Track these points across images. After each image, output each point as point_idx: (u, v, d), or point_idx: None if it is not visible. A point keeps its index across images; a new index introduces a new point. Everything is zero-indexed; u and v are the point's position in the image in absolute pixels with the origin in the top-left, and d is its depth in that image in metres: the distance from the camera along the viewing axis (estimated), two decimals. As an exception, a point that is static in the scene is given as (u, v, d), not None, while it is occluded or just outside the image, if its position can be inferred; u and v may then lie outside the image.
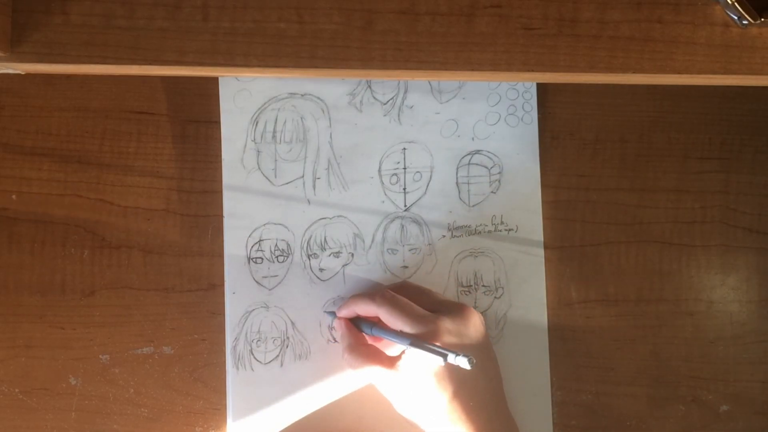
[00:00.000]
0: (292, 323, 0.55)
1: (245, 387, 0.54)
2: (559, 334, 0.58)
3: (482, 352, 0.51)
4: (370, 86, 0.57)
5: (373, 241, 0.57)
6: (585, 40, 0.44)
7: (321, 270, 0.56)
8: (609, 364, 0.59)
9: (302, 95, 0.56)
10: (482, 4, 0.44)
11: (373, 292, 0.54)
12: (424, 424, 0.50)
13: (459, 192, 0.58)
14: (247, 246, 0.55)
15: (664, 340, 0.59)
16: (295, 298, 0.55)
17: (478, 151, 0.58)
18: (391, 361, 0.51)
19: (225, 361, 0.55)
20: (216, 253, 0.55)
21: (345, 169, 0.56)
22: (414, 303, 0.51)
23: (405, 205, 0.57)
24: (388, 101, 0.57)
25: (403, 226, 0.57)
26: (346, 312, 0.54)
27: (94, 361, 0.54)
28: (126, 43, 0.42)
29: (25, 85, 0.55)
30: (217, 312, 0.55)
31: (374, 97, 0.57)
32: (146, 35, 0.42)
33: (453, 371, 0.49)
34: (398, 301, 0.51)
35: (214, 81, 0.55)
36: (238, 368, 0.54)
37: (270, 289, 0.55)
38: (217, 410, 0.55)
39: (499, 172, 0.58)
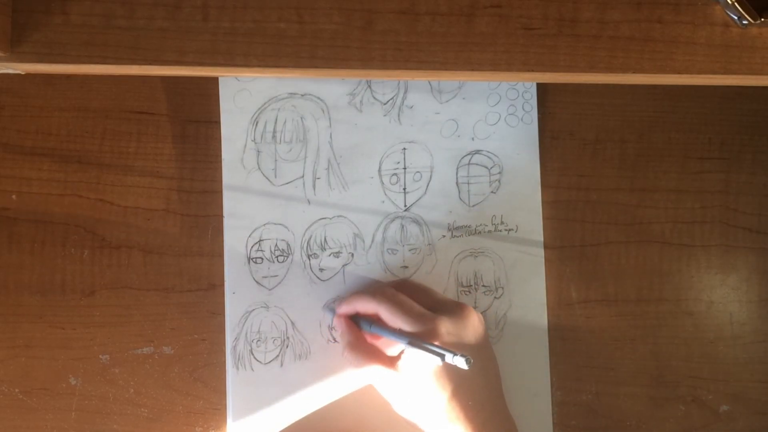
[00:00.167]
0: (292, 323, 0.55)
1: (245, 387, 0.54)
2: (559, 334, 0.58)
3: (481, 351, 0.51)
4: (370, 86, 0.57)
5: (373, 241, 0.57)
6: (585, 40, 0.44)
7: (321, 270, 0.56)
8: (609, 364, 0.59)
9: (302, 95, 0.56)
10: (482, 4, 0.44)
11: (373, 289, 0.54)
12: (423, 423, 0.50)
13: (459, 192, 0.58)
14: (247, 246, 0.55)
15: (664, 340, 0.59)
16: (295, 298, 0.55)
17: (478, 151, 0.58)
18: (390, 361, 0.51)
19: (225, 361, 0.55)
20: (216, 253, 0.55)
21: (345, 169, 0.56)
22: (414, 301, 0.51)
23: (405, 205, 0.57)
24: (388, 101, 0.57)
25: (403, 226, 0.57)
26: (347, 309, 0.54)
27: (94, 361, 0.54)
28: (126, 43, 0.42)
29: (25, 85, 0.55)
30: (217, 312, 0.55)
31: (374, 97, 0.57)
32: (146, 35, 0.42)
33: (451, 371, 0.49)
34: (398, 299, 0.51)
35: (214, 81, 0.55)
36: (238, 368, 0.54)
37: (270, 289, 0.55)
38: (217, 410, 0.55)
39: (499, 172, 0.58)
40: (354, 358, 0.52)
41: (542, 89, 0.59)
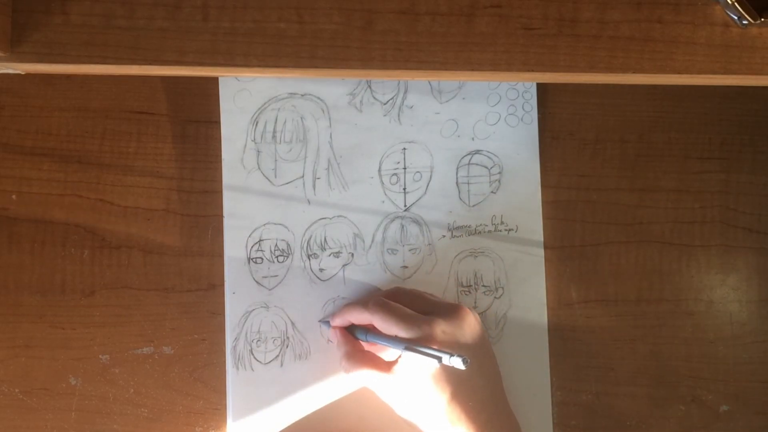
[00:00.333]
0: (292, 323, 0.55)
1: (245, 387, 0.54)
2: (559, 334, 0.58)
3: (479, 351, 0.51)
4: (370, 86, 0.57)
5: (373, 241, 0.57)
6: (585, 40, 0.44)
7: (321, 270, 0.56)
8: (609, 364, 0.59)
9: (302, 95, 0.56)
10: (482, 4, 0.44)
11: (365, 299, 0.54)
12: (424, 426, 0.50)
13: (459, 192, 0.58)
14: (247, 246, 0.55)
15: (664, 340, 0.59)
16: (295, 298, 0.55)
17: (478, 151, 0.58)
18: (388, 366, 0.51)
19: (225, 361, 0.55)
20: (216, 253, 0.55)
21: (345, 169, 0.56)
22: (408, 307, 0.51)
23: (405, 205, 0.57)
24: (388, 101, 0.57)
25: (403, 226, 0.57)
26: (340, 321, 0.54)
27: (94, 361, 0.54)
28: (126, 43, 0.42)
29: (25, 85, 0.55)
30: (217, 312, 0.55)
31: (374, 97, 0.57)
32: (146, 35, 0.42)
33: (450, 372, 0.48)
34: (391, 307, 0.51)
35: (214, 81, 0.55)
36: (238, 368, 0.54)
37: (270, 289, 0.55)
38: (217, 410, 0.55)
39: (499, 172, 0.58)
40: (352, 368, 0.52)
41: (542, 89, 0.59)
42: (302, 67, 0.43)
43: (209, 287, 0.55)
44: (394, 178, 0.57)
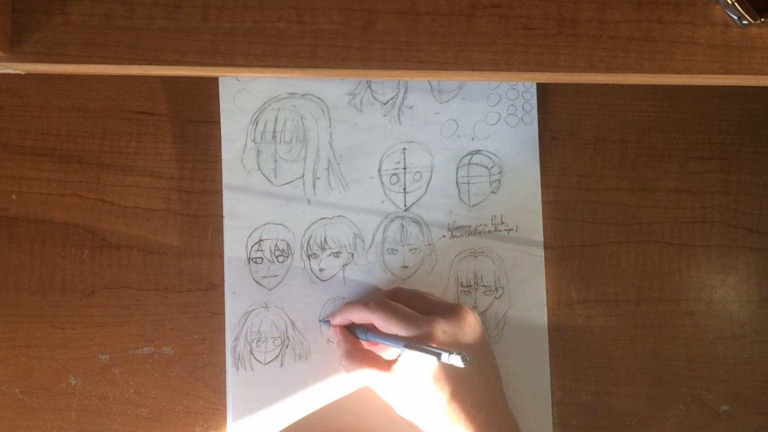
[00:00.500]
0: (292, 323, 0.55)
1: (245, 387, 0.54)
2: (559, 334, 0.58)
3: (479, 350, 0.51)
4: (370, 86, 0.57)
5: (373, 241, 0.57)
6: (585, 40, 0.44)
7: (321, 270, 0.56)
8: (609, 364, 0.59)
9: (302, 95, 0.56)
10: (482, 4, 0.44)
11: (365, 298, 0.54)
12: (424, 425, 0.50)
13: (459, 192, 0.58)
14: (247, 246, 0.55)
15: (664, 340, 0.59)
16: (295, 298, 0.55)
17: (478, 151, 0.58)
18: (387, 365, 0.51)
19: (225, 361, 0.55)
20: (216, 253, 0.55)
21: (345, 169, 0.56)
22: (408, 307, 0.51)
23: (405, 205, 0.57)
24: (388, 101, 0.57)
25: (403, 226, 0.57)
26: (340, 320, 0.54)
27: (94, 361, 0.54)
28: (126, 43, 0.42)
29: (25, 85, 0.54)
30: (217, 312, 0.55)
31: (374, 97, 0.57)
32: (146, 35, 0.42)
33: (450, 372, 0.49)
34: (391, 306, 0.51)
35: (214, 81, 0.55)
36: (238, 368, 0.54)
37: (270, 289, 0.55)
38: (217, 410, 0.55)
39: (499, 172, 0.58)
40: (352, 366, 0.52)
41: (542, 89, 0.59)
42: (302, 67, 0.43)
43: (209, 287, 0.55)
44: (394, 178, 0.57)
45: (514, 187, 0.58)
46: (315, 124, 0.56)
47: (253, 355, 0.55)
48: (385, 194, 0.57)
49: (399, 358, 0.50)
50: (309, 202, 0.56)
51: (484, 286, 0.58)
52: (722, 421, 0.59)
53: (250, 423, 0.54)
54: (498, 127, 0.58)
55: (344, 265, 0.56)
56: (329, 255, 0.56)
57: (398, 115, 0.57)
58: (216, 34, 0.43)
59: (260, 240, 0.55)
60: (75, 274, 0.55)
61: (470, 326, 0.51)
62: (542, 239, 0.58)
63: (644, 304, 0.59)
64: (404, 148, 0.57)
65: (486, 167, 0.58)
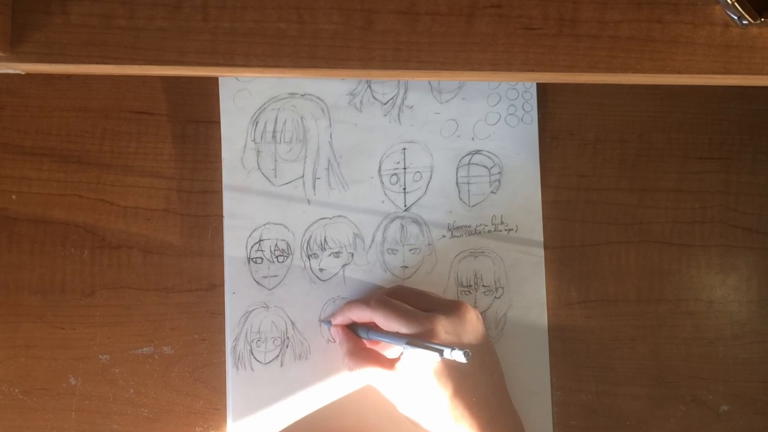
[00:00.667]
0: (292, 323, 0.55)
1: (245, 387, 0.54)
2: (559, 334, 0.58)
3: (481, 348, 0.51)
4: (370, 86, 0.57)
5: (373, 241, 0.57)
6: (585, 40, 0.44)
7: (321, 270, 0.56)
8: (609, 364, 0.59)
9: (302, 95, 0.56)
10: (482, 4, 0.44)
11: (366, 297, 0.54)
12: (427, 423, 0.50)
13: (459, 192, 0.58)
14: (247, 246, 0.55)
15: (664, 340, 0.59)
16: (295, 298, 0.55)
17: (478, 151, 0.58)
18: (390, 363, 0.51)
19: (225, 361, 0.55)
20: (216, 253, 0.55)
21: (345, 169, 0.56)
22: (409, 305, 0.51)
23: (405, 205, 0.57)
24: (388, 101, 0.57)
25: (403, 226, 0.57)
26: (341, 319, 0.54)
27: (94, 361, 0.54)
28: (126, 43, 0.42)
29: (25, 85, 0.54)
30: (217, 312, 0.55)
31: (374, 97, 0.57)
32: (146, 35, 0.42)
33: (453, 369, 0.49)
34: (393, 304, 0.51)
35: (214, 81, 0.55)
36: (238, 368, 0.54)
37: (270, 289, 0.55)
38: (217, 410, 0.55)
39: (499, 172, 0.58)
40: (355, 365, 0.52)
41: (542, 89, 0.59)
42: (302, 67, 0.43)
43: (209, 287, 0.55)
44: (394, 178, 0.57)
45: (514, 187, 0.58)
46: (315, 124, 0.56)
47: (253, 355, 0.55)
48: (385, 194, 0.57)
49: (401, 357, 0.50)
50: (309, 202, 0.56)
51: (484, 286, 0.58)
52: (722, 421, 0.59)
53: (250, 423, 0.54)
54: (498, 127, 0.58)
55: (344, 265, 0.56)
56: (329, 255, 0.56)
57: (398, 115, 0.57)
58: (216, 34, 0.43)
59: (260, 240, 0.55)
60: (75, 274, 0.55)
61: (471, 323, 0.51)
62: (542, 239, 0.58)
63: (644, 304, 0.59)
64: (404, 148, 0.57)
65: (486, 167, 0.58)
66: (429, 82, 0.57)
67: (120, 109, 0.55)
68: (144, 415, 0.54)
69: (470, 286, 0.58)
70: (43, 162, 0.55)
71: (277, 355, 0.55)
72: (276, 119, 0.56)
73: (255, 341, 0.55)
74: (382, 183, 0.57)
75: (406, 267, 0.57)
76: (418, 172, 0.57)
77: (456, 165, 0.58)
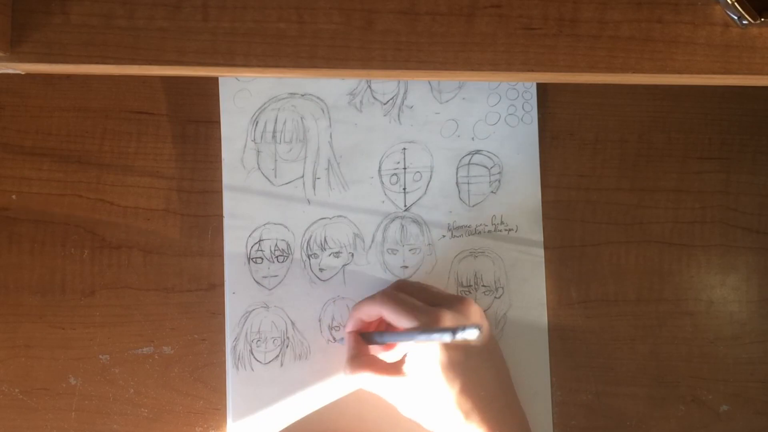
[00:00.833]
0: (292, 323, 0.55)
1: (245, 387, 0.54)
2: (559, 334, 0.58)
3: (485, 343, 0.51)
4: (370, 86, 0.57)
5: (373, 241, 0.57)
6: (585, 40, 0.44)
7: (321, 270, 0.56)
8: (609, 364, 0.59)
9: (302, 95, 0.56)
10: (482, 4, 0.44)
11: (372, 295, 0.54)
12: (433, 423, 0.50)
13: (459, 192, 0.58)
14: (247, 246, 0.55)
15: (664, 340, 0.59)
16: (295, 298, 0.55)
17: (478, 151, 0.58)
18: (390, 367, 0.51)
19: (225, 361, 0.55)
20: (216, 253, 0.55)
21: (345, 169, 0.56)
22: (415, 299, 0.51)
23: (405, 205, 0.57)
24: (388, 101, 0.57)
25: (403, 226, 0.57)
26: (352, 323, 0.53)
27: (94, 361, 0.54)
28: (126, 43, 0.42)
29: (25, 85, 0.55)
30: (217, 312, 0.55)
31: (374, 97, 0.57)
32: (146, 35, 0.42)
33: (460, 364, 0.48)
34: (400, 298, 0.51)
35: (214, 81, 0.55)
36: (238, 368, 0.54)
37: (270, 289, 0.55)
38: (217, 410, 0.55)
39: (499, 172, 0.58)
40: (354, 370, 0.51)
41: (542, 89, 0.59)
42: (302, 67, 0.43)
43: (209, 287, 0.55)
44: (394, 178, 0.57)
45: (514, 187, 0.58)
46: (315, 124, 0.56)
47: (253, 355, 0.55)
48: (385, 194, 0.57)
49: (405, 358, 0.50)
50: (309, 202, 0.56)
51: (484, 286, 0.58)
52: (722, 421, 0.59)
53: (250, 423, 0.54)
54: (498, 127, 0.58)
55: (344, 265, 0.56)
56: (329, 255, 0.56)
57: (398, 115, 0.57)
58: (216, 34, 0.43)
59: (260, 240, 0.55)
60: (75, 274, 0.55)
61: (475, 317, 0.51)
62: (542, 239, 0.58)
63: (644, 304, 0.59)
64: (404, 148, 0.57)
65: (486, 167, 0.58)
66: (429, 82, 0.57)
67: (120, 109, 0.55)
68: (144, 415, 0.54)
69: (470, 286, 0.58)
70: (43, 162, 0.55)
71: (277, 355, 0.55)
72: (276, 119, 0.56)
73: (255, 341, 0.55)
74: (382, 183, 0.57)
75: (406, 267, 0.57)
76: (418, 172, 0.57)
77: (456, 165, 0.58)
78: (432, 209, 0.57)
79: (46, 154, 0.55)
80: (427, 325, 0.49)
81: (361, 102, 0.57)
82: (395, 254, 0.57)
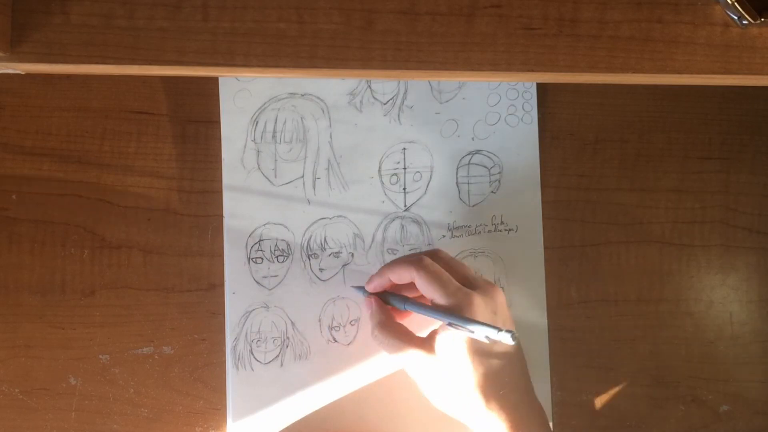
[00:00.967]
0: (292, 323, 0.55)
1: (245, 387, 0.54)
2: (559, 334, 0.58)
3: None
4: (370, 86, 0.57)
5: (373, 241, 0.57)
6: (585, 40, 0.44)
7: (321, 270, 0.56)
8: (609, 364, 0.59)
9: (302, 95, 0.56)
10: (482, 4, 0.44)
11: (409, 257, 0.52)
12: (453, 406, 0.49)
13: (459, 192, 0.58)
14: (247, 246, 0.55)
15: (664, 340, 0.59)
16: (295, 298, 0.55)
17: (478, 151, 0.58)
18: (424, 343, 0.50)
19: (225, 361, 0.55)
20: (216, 253, 0.55)
21: (345, 169, 0.56)
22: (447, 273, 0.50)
23: (405, 205, 0.57)
24: (388, 101, 0.57)
25: (403, 226, 0.57)
26: (379, 281, 0.53)
27: (94, 361, 0.54)
28: (126, 43, 0.42)
29: (25, 85, 0.55)
30: (217, 312, 0.55)
31: (374, 97, 0.57)
32: (146, 35, 0.42)
33: (485, 349, 0.48)
34: (436, 269, 0.50)
35: (214, 81, 0.55)
36: (238, 368, 0.54)
37: (270, 289, 0.55)
38: (217, 410, 0.55)
39: (499, 172, 0.58)
40: (385, 338, 0.51)
41: (542, 89, 0.59)
42: (302, 67, 0.43)
43: (209, 287, 0.55)
44: (394, 178, 0.57)
45: (514, 187, 0.58)
46: (315, 124, 0.56)
47: (253, 355, 0.55)
48: (385, 194, 0.57)
49: (435, 336, 0.49)
50: (309, 202, 0.56)
51: (484, 286, 0.58)
52: (722, 421, 0.59)
53: (250, 423, 0.54)
54: (498, 127, 0.58)
55: (344, 265, 0.56)
56: (329, 255, 0.56)
57: (398, 115, 0.57)
58: (216, 34, 0.43)
59: (260, 240, 0.55)
60: (75, 274, 0.55)
61: (502, 305, 0.51)
62: (542, 239, 0.58)
63: (644, 304, 0.59)
64: (404, 148, 0.57)
65: (486, 167, 0.58)
66: (429, 82, 0.57)
67: (120, 109, 0.55)
68: (144, 415, 0.54)
69: (470, 286, 0.58)
70: (43, 162, 0.55)
71: (277, 355, 0.55)
72: (276, 119, 0.56)
73: (255, 341, 0.55)
74: (382, 183, 0.57)
75: (406, 267, 0.57)
76: (418, 172, 0.57)
77: (456, 165, 0.58)
78: (432, 209, 0.57)
79: (46, 154, 0.55)
80: (457, 308, 0.48)
81: (361, 102, 0.57)
82: (395, 254, 0.57)
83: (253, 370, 0.55)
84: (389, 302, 0.53)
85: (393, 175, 0.57)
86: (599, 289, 0.59)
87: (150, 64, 0.43)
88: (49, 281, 0.54)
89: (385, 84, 0.57)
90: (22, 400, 0.54)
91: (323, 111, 0.56)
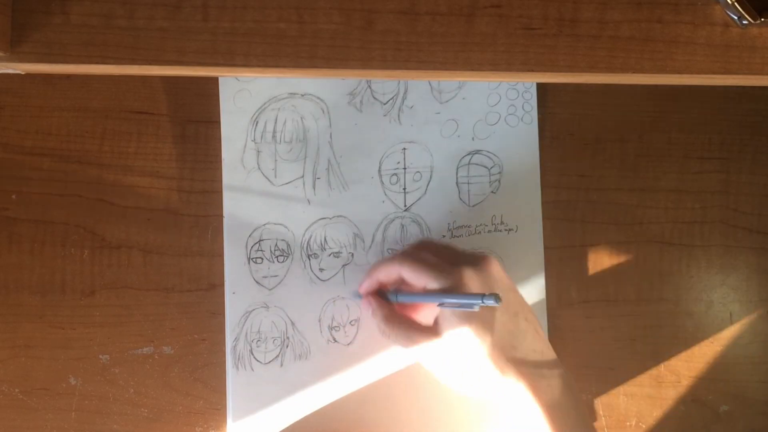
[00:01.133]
0: (292, 323, 0.55)
1: (245, 387, 0.54)
2: (559, 334, 0.58)
3: (510, 297, 0.50)
4: (370, 86, 0.57)
5: (373, 241, 0.57)
6: (585, 40, 0.44)
7: (321, 270, 0.56)
8: (609, 364, 0.59)
9: (302, 95, 0.56)
10: (482, 4, 0.44)
11: (392, 255, 0.53)
12: (473, 387, 0.49)
13: (459, 192, 0.58)
14: (247, 246, 0.55)
15: (664, 340, 0.59)
16: (295, 298, 0.55)
17: (478, 151, 0.58)
18: (430, 330, 0.49)
19: (225, 361, 0.55)
20: (216, 253, 0.55)
21: (345, 169, 0.56)
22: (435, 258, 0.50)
23: (405, 205, 0.57)
24: (388, 101, 0.57)
25: (403, 226, 0.57)
26: (369, 283, 0.53)
27: (94, 361, 0.54)
28: (126, 43, 0.42)
29: (25, 85, 0.55)
30: (217, 312, 0.55)
31: (374, 97, 0.57)
32: (146, 35, 0.42)
33: (487, 319, 0.47)
34: (420, 257, 0.50)
35: (214, 81, 0.55)
36: (238, 368, 0.54)
37: (270, 289, 0.55)
38: (217, 410, 0.55)
39: (499, 172, 0.58)
40: (392, 331, 0.51)
41: (542, 89, 0.59)
42: (302, 67, 0.43)
43: (209, 287, 0.55)
44: (394, 178, 0.57)
45: (514, 187, 0.58)
46: (315, 124, 0.56)
47: (253, 355, 0.55)
48: (385, 194, 0.57)
49: (437, 319, 0.49)
50: (309, 202, 0.56)
51: (484, 286, 0.58)
52: (722, 421, 0.59)
53: (250, 423, 0.54)
54: (498, 127, 0.58)
55: (344, 265, 0.56)
56: (329, 255, 0.56)
57: (398, 115, 0.57)
58: (216, 34, 0.43)
59: (260, 240, 0.55)
60: (75, 274, 0.55)
61: (497, 272, 0.50)
62: (542, 239, 0.58)
63: (644, 304, 0.59)
64: (404, 148, 0.57)
65: (486, 167, 0.58)
66: (429, 82, 0.57)
67: (120, 109, 0.55)
68: (144, 415, 0.54)
69: (470, 286, 0.58)
70: (43, 162, 0.55)
71: (277, 355, 0.55)
72: (276, 119, 0.56)
73: (255, 341, 0.55)
74: (382, 183, 0.57)
75: (406, 267, 0.57)
76: (418, 172, 0.57)
77: (456, 165, 0.58)
78: (432, 209, 0.57)
79: (46, 154, 0.55)
80: (449, 287, 0.48)
81: (361, 102, 0.57)
82: (395, 254, 0.57)
83: (253, 370, 0.55)
84: (385, 298, 0.53)
85: (393, 175, 0.57)
86: (599, 289, 0.59)
87: (150, 64, 0.43)
88: (49, 281, 0.54)
89: (385, 84, 0.57)
90: (22, 400, 0.54)
91: (323, 111, 0.56)
